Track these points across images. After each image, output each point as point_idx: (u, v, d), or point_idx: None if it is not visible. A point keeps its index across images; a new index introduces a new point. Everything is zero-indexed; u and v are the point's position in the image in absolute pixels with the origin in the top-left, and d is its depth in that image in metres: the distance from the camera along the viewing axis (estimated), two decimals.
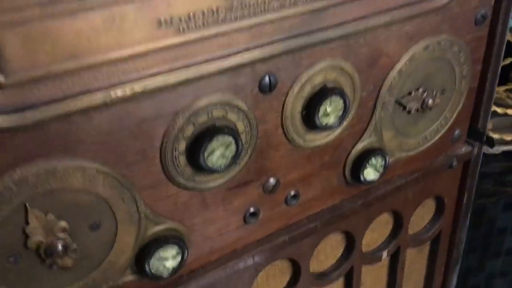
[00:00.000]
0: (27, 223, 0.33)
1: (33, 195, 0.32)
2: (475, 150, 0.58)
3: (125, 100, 0.33)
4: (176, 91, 0.35)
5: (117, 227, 0.37)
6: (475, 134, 0.57)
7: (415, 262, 0.67)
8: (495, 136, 0.91)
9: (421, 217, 0.63)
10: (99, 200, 0.35)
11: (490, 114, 0.57)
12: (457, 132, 0.56)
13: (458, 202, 0.63)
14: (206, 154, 0.37)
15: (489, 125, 1.15)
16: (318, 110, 0.41)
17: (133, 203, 0.37)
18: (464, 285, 1.00)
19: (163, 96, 0.34)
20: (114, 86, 0.32)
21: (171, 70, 0.34)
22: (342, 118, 0.43)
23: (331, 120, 0.42)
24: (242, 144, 0.38)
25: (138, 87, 0.33)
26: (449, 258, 0.68)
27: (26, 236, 0.33)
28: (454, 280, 0.71)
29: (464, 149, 0.58)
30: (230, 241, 0.45)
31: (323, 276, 0.56)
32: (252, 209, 0.44)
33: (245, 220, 0.44)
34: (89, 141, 0.33)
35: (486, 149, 0.98)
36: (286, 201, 0.46)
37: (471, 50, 0.50)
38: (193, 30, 0.33)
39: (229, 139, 0.37)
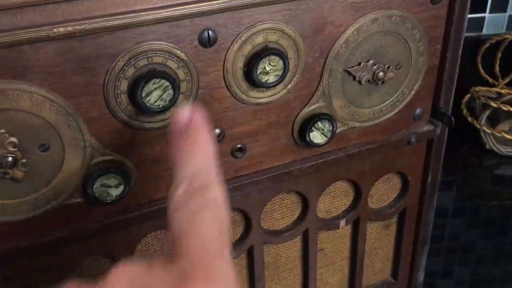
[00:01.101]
0: None
1: None
2: (438, 129, 0.60)
3: (68, 36, 0.38)
4: (116, 34, 0.40)
5: (64, 151, 0.43)
6: (438, 114, 0.59)
7: (381, 238, 0.69)
8: None
9: (386, 193, 0.65)
10: (47, 124, 0.41)
11: (452, 94, 0.58)
12: (418, 110, 0.58)
13: (423, 182, 0.65)
14: (143, 94, 0.42)
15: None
16: (257, 68, 0.46)
17: (78, 131, 0.43)
18: None
19: (104, 38, 0.40)
20: (58, 23, 0.38)
21: (111, 15, 0.39)
22: (281, 78, 0.47)
23: (270, 78, 0.46)
24: (178, 89, 0.43)
25: (79, 26, 0.38)
26: (416, 237, 0.69)
27: None
28: (423, 262, 0.72)
29: (426, 128, 0.60)
30: None
31: (276, 233, 0.60)
32: None
33: None
34: (37, 70, 0.39)
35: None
36: (232, 153, 0.51)
37: (427, 29, 0.53)
38: None
39: (166, 83, 0.42)
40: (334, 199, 0.62)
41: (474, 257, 1.16)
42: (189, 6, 0.41)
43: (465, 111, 1.16)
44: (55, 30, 0.38)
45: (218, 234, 0.31)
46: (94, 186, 0.44)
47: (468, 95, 1.16)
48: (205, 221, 0.31)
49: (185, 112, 0.36)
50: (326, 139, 0.53)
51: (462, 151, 1.24)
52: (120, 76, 0.42)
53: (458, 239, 1.27)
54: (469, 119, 1.14)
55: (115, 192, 0.45)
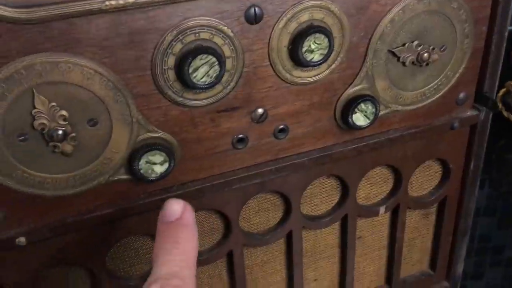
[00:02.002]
0: (33, 106, 0.40)
1: (39, 83, 0.39)
2: (482, 115, 0.59)
3: (119, 9, 0.39)
4: (165, 9, 0.41)
5: (112, 126, 0.43)
6: (482, 98, 0.58)
7: (420, 227, 0.68)
8: None
9: (426, 181, 0.64)
10: (96, 99, 0.42)
11: (498, 78, 0.57)
12: (462, 94, 0.57)
13: (464, 169, 0.63)
14: (191, 70, 0.42)
15: None
16: (302, 46, 0.45)
17: (126, 106, 0.43)
18: None
19: (154, 12, 0.40)
20: None
21: None
22: (326, 56, 0.46)
23: (315, 57, 0.46)
24: (225, 65, 0.43)
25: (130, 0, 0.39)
26: (456, 227, 0.68)
27: (33, 118, 0.40)
28: (463, 252, 0.71)
29: (469, 113, 0.59)
30: (219, 163, 0.50)
31: (315, 218, 0.59)
32: (240, 135, 0.49)
33: (233, 145, 0.49)
34: (88, 43, 0.39)
35: None
36: (274, 134, 0.51)
37: (473, 9, 0.52)
38: None
39: (213, 59, 0.42)
40: (373, 185, 0.61)
41: (506, 259, 1.13)
42: None
43: (500, 105, 1.13)
44: (106, 3, 0.38)
45: None
46: (140, 162, 0.45)
47: (504, 90, 1.14)
48: None
49: (176, 206, 0.38)
50: (368, 121, 0.52)
51: (496, 147, 1.21)
52: (168, 52, 0.42)
53: (489, 240, 1.24)
54: (505, 114, 1.11)
55: (160, 169, 0.46)
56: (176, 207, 0.38)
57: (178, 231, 0.37)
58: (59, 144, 0.42)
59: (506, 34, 0.54)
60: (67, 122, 0.41)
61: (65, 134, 0.41)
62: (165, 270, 0.34)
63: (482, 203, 1.14)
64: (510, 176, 1.17)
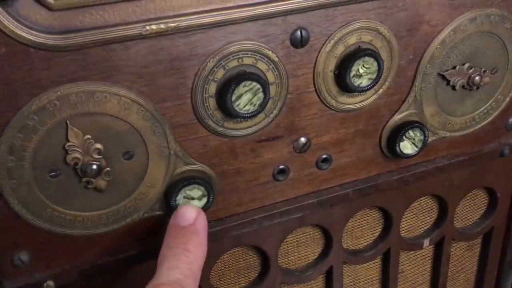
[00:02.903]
0: (67, 140, 0.37)
1: (74, 114, 0.36)
2: None
3: (160, 35, 0.36)
4: (208, 33, 0.38)
5: (148, 159, 0.40)
6: None
7: (464, 260, 0.64)
8: None
9: (471, 211, 0.60)
10: (133, 130, 0.39)
11: None
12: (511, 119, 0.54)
13: None
14: (233, 98, 0.39)
15: None
16: (350, 70, 0.42)
17: (163, 137, 0.40)
18: None
19: (196, 37, 0.37)
20: (150, 20, 0.35)
21: (204, 12, 0.37)
22: (375, 81, 0.43)
23: (363, 82, 0.43)
24: (269, 92, 0.40)
25: (172, 24, 0.36)
26: (502, 259, 0.64)
27: (66, 152, 0.37)
28: (508, 285, 0.66)
29: None
30: (259, 196, 0.46)
31: (356, 253, 0.55)
32: (281, 166, 0.46)
33: (274, 176, 0.46)
34: (126, 70, 0.36)
35: None
36: (317, 164, 0.47)
37: None
38: None
39: (257, 86, 0.39)
40: (417, 217, 0.57)
41: None
42: (282, 2, 0.39)
43: None
44: (147, 27, 0.35)
45: None
46: (177, 198, 0.41)
47: None
48: None
49: (191, 212, 0.38)
50: (416, 149, 0.49)
51: None
52: (209, 78, 0.39)
53: None
54: None
55: (198, 204, 0.42)
56: (190, 213, 0.38)
57: (189, 238, 0.36)
58: (92, 179, 0.38)
59: None
60: (101, 156, 0.38)
61: (100, 168, 0.38)
62: (171, 276, 0.34)
63: None
64: None
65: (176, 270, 0.34)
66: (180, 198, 0.42)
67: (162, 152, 0.40)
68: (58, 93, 0.35)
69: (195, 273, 0.35)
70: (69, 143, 0.37)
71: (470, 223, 0.61)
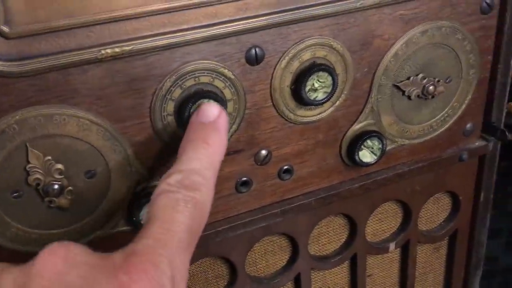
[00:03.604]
0: (28, 161, 0.38)
1: (33, 137, 0.37)
2: (490, 145, 0.57)
3: (115, 58, 0.37)
4: (163, 54, 0.39)
5: (110, 177, 0.41)
6: (490, 128, 0.56)
7: (431, 261, 0.66)
8: None
9: (436, 214, 0.62)
10: (93, 149, 0.40)
11: (505, 107, 0.56)
12: (469, 125, 0.56)
13: (475, 201, 0.61)
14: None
15: None
16: (305, 85, 0.44)
17: (124, 155, 0.41)
18: None
19: (151, 58, 0.39)
20: (105, 44, 0.37)
21: (158, 35, 0.38)
22: (330, 94, 0.45)
23: (319, 95, 0.45)
24: (226, 109, 0.42)
25: (127, 47, 0.37)
26: (469, 260, 0.66)
27: (27, 174, 0.38)
28: (476, 285, 0.68)
29: (477, 143, 0.57)
30: (222, 208, 0.48)
31: (323, 259, 0.57)
32: (244, 178, 0.47)
33: (236, 189, 0.47)
34: (84, 93, 0.38)
35: None
36: (279, 175, 0.49)
37: (478, 40, 0.50)
38: None
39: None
40: (382, 221, 0.59)
41: None
42: (235, 23, 0.40)
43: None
44: (102, 51, 0.37)
45: (187, 233, 0.30)
46: (141, 213, 0.43)
47: (505, 110, 1.13)
48: (180, 215, 0.31)
49: (214, 109, 0.38)
50: (375, 157, 0.50)
51: (500, 168, 1.20)
52: (167, 98, 0.40)
53: (497, 261, 1.22)
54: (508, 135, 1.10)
55: None
56: (212, 110, 0.38)
57: (210, 133, 0.36)
58: (55, 199, 0.39)
59: None
60: (63, 176, 0.39)
61: (62, 188, 0.39)
62: (191, 165, 0.34)
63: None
64: None
65: (196, 161, 0.35)
66: (143, 213, 0.43)
67: (123, 170, 0.41)
68: (17, 117, 0.36)
69: (215, 166, 0.35)
70: (30, 165, 0.38)
71: (435, 225, 0.63)
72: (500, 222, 1.13)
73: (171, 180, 0.33)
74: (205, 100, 0.40)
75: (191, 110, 0.40)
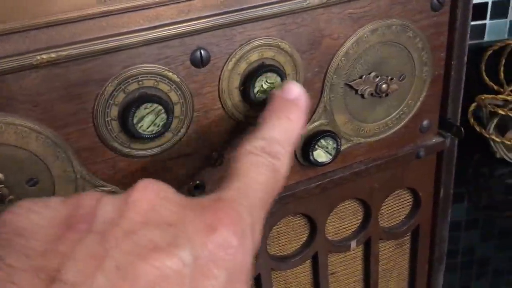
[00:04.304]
0: None
1: None
2: (447, 141, 0.57)
3: (52, 64, 0.36)
4: (103, 59, 0.38)
5: (54, 185, 0.41)
6: (446, 124, 0.56)
7: (395, 257, 0.66)
8: None
9: (397, 210, 0.63)
10: (34, 157, 0.39)
11: (460, 103, 0.56)
12: (425, 122, 0.56)
13: (435, 197, 0.62)
14: (135, 120, 0.40)
15: None
16: (254, 86, 0.43)
17: (68, 162, 0.40)
18: None
19: (90, 63, 0.38)
20: (41, 49, 0.36)
21: (97, 39, 0.37)
22: None
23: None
24: (172, 113, 0.41)
25: (63, 52, 0.36)
26: (432, 255, 0.66)
27: None
28: (440, 280, 0.69)
29: (434, 140, 0.57)
30: None
31: (284, 259, 0.57)
32: (197, 181, 0.47)
33: (189, 192, 0.47)
34: (21, 99, 0.37)
35: None
36: None
37: (430, 37, 0.50)
38: (117, 1, 0.37)
39: (158, 107, 0.40)
40: (343, 220, 0.59)
41: (491, 271, 1.12)
42: (177, 25, 0.39)
43: (472, 120, 1.13)
44: (38, 57, 0.36)
45: (265, 194, 0.33)
46: None
47: (474, 104, 1.14)
48: (262, 177, 0.33)
49: (296, 88, 0.39)
50: (330, 157, 0.50)
51: (472, 161, 1.21)
52: (110, 102, 0.40)
53: (473, 253, 1.23)
54: (477, 128, 1.11)
55: None
56: (296, 89, 0.39)
57: (292, 109, 0.38)
58: None
59: (465, 59, 0.53)
60: (3, 185, 0.38)
61: (2, 197, 0.38)
62: (274, 134, 0.36)
63: (462, 217, 1.13)
64: (488, 189, 1.17)
65: (278, 132, 0.36)
66: None
67: (68, 177, 0.41)
68: None
69: (294, 140, 0.37)
70: None
71: (397, 222, 0.63)
72: (475, 214, 1.14)
73: (256, 144, 0.35)
74: (150, 105, 0.39)
75: (135, 115, 0.40)
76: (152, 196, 0.30)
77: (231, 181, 0.33)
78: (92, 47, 0.37)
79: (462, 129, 0.55)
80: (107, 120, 0.40)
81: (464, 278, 1.09)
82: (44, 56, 0.36)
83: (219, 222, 0.29)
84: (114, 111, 0.40)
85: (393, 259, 0.66)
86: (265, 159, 0.34)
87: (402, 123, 0.54)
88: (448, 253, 0.69)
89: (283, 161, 0.36)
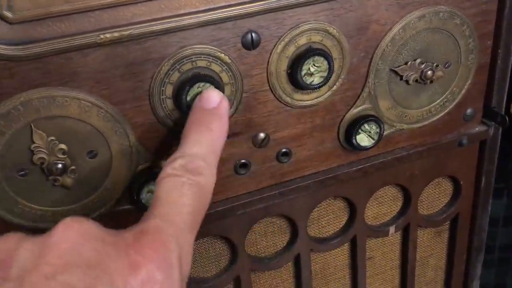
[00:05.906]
0: (32, 141, 0.40)
1: (37, 118, 0.39)
2: (491, 130, 0.57)
3: (114, 42, 0.39)
4: (161, 39, 0.40)
5: (111, 157, 0.43)
6: (490, 113, 0.56)
7: (433, 245, 0.66)
8: None
9: (437, 198, 0.63)
10: (95, 131, 0.41)
11: (506, 92, 0.56)
12: (469, 110, 0.56)
13: (476, 186, 0.62)
14: (188, 98, 0.42)
15: None
16: (301, 69, 0.45)
17: (125, 137, 0.43)
18: None
19: (149, 43, 0.40)
20: (104, 29, 0.38)
21: (155, 20, 0.39)
22: (326, 79, 0.46)
23: (315, 79, 0.46)
24: (223, 92, 0.43)
25: (125, 32, 0.39)
26: (470, 244, 0.66)
27: (32, 153, 0.40)
28: (478, 270, 0.69)
29: (478, 128, 0.57)
30: (221, 189, 0.49)
31: (323, 240, 0.58)
32: (242, 160, 0.48)
33: (235, 171, 0.49)
34: (84, 76, 0.39)
35: None
36: (277, 158, 0.50)
37: (477, 25, 0.51)
38: None
39: (211, 87, 0.42)
40: (382, 205, 0.60)
41: None
42: (231, 8, 0.41)
43: None
44: (101, 36, 0.38)
45: (192, 215, 0.33)
46: (141, 192, 0.44)
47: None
48: (185, 198, 0.33)
49: (215, 96, 0.39)
50: (373, 141, 0.51)
51: None
52: (165, 81, 0.42)
53: (510, 250, 1.21)
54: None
55: None
56: (214, 97, 0.39)
57: (212, 119, 0.38)
58: (59, 177, 0.41)
59: None
60: (66, 156, 0.41)
61: (65, 167, 0.41)
62: (194, 149, 0.36)
63: (500, 213, 1.12)
64: None
65: (199, 146, 0.36)
66: (144, 192, 0.45)
67: (124, 150, 0.43)
68: (21, 99, 0.38)
69: (217, 151, 0.37)
70: (35, 145, 0.40)
71: (436, 210, 0.63)
72: None
73: (175, 164, 0.34)
74: (203, 84, 0.41)
75: (189, 93, 0.42)
76: (73, 235, 0.29)
77: (155, 208, 0.32)
78: (152, 27, 0.39)
79: (507, 118, 0.55)
80: (162, 98, 0.42)
81: (500, 275, 1.08)
82: (107, 35, 0.38)
83: (142, 258, 0.28)
84: (169, 90, 0.42)
85: (431, 247, 0.66)
86: (187, 178, 0.33)
87: (446, 111, 0.54)
88: (485, 249, 0.69)
89: (207, 174, 0.35)
